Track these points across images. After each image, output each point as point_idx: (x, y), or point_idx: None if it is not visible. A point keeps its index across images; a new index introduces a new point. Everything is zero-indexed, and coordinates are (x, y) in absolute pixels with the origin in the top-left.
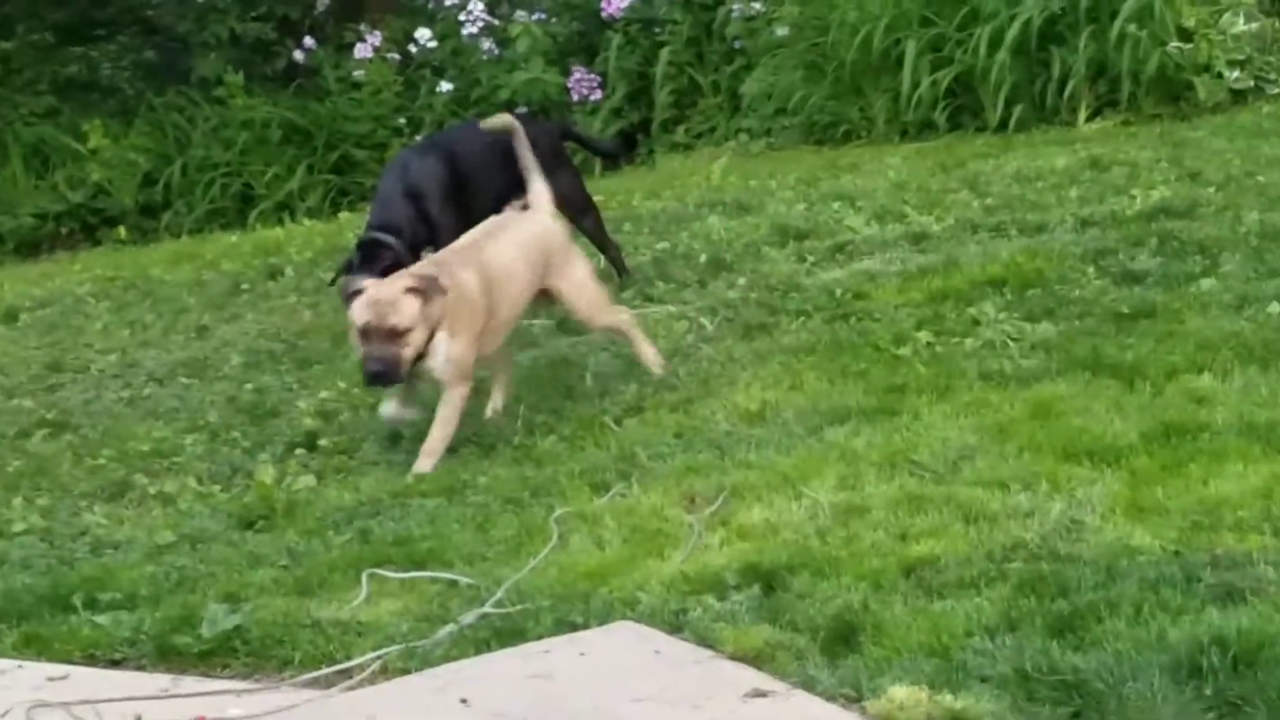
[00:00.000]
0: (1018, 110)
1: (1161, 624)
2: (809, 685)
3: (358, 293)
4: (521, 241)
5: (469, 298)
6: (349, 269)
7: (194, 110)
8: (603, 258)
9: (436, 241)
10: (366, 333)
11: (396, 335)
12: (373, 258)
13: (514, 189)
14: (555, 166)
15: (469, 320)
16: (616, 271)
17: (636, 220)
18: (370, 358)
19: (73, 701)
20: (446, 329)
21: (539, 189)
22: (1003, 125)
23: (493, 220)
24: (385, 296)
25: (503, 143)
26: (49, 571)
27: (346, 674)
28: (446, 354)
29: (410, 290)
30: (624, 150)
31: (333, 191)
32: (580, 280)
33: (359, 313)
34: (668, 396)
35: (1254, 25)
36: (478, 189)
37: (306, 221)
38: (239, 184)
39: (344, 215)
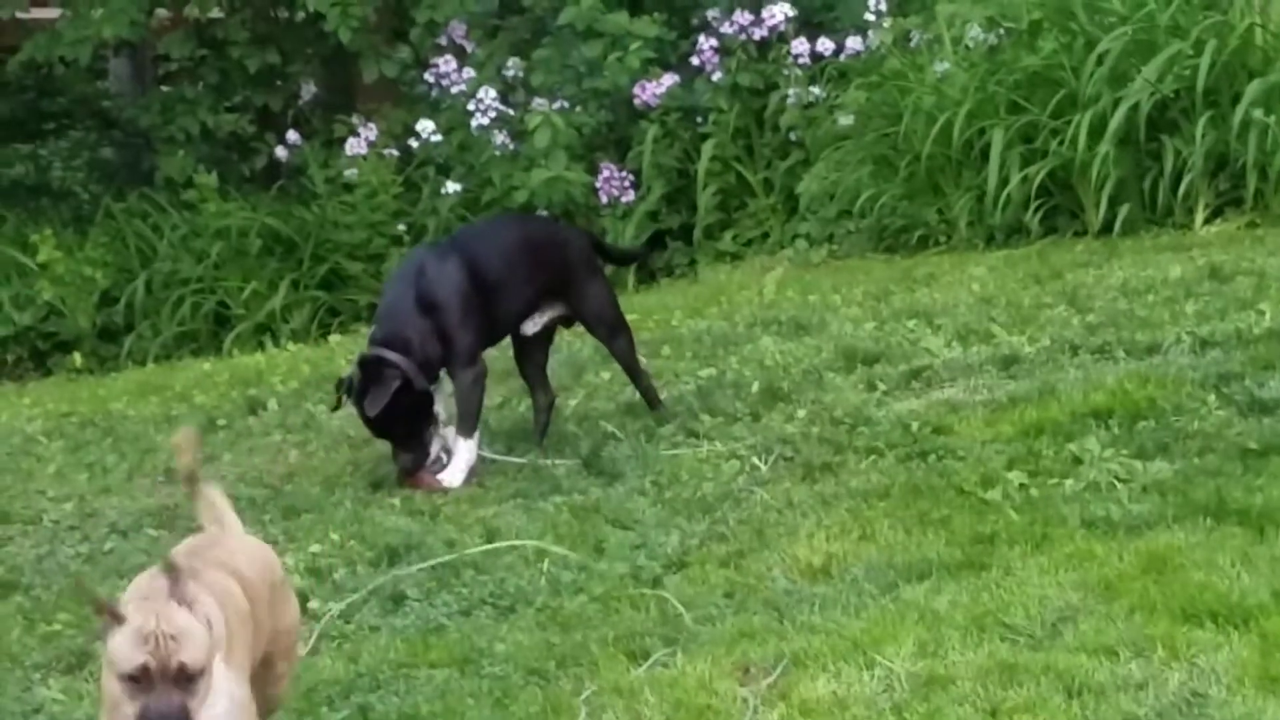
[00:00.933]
0: (1124, 211)
1: None
2: None
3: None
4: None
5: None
6: (348, 390)
7: (160, 217)
8: (633, 389)
9: (451, 365)
10: (139, 678)
11: (187, 678)
12: (378, 377)
13: (544, 302)
14: (587, 277)
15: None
16: (649, 405)
17: (677, 343)
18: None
19: None
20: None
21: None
22: (1106, 228)
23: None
24: (171, 626)
25: (535, 245)
26: None
27: None
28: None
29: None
30: (647, 255)
31: (321, 311)
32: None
33: (128, 652)
34: (716, 549)
35: None
36: (501, 302)
37: (291, 346)
38: (213, 302)
39: (335, 338)
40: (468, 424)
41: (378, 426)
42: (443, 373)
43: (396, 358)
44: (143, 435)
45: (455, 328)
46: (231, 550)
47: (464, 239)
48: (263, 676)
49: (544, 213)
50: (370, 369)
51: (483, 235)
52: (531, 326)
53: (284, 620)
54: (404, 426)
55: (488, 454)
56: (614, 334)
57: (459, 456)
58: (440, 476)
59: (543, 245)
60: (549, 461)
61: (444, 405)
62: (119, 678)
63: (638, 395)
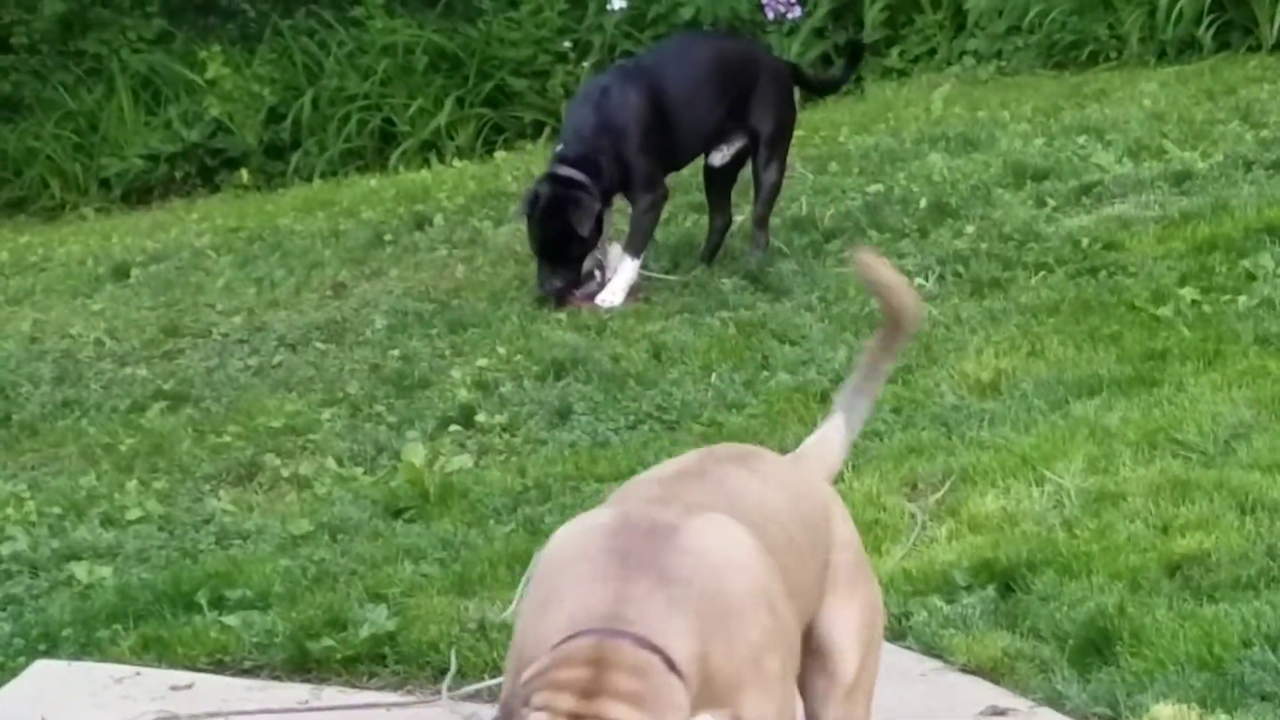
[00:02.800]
0: None
1: None
2: (1055, 702)
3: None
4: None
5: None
6: (534, 203)
7: (326, 34)
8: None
9: (630, 189)
10: None
11: None
12: (575, 200)
13: (726, 130)
14: (776, 110)
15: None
16: (757, 226)
17: (844, 159)
18: None
19: (200, 714)
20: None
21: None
22: None
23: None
24: None
25: (719, 67)
26: (169, 565)
27: None
28: None
29: None
30: (847, 78)
31: (486, 128)
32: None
33: None
34: None
35: None
36: (684, 128)
37: (457, 163)
38: (379, 119)
39: (500, 155)
40: (637, 244)
41: (546, 240)
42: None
43: (574, 173)
44: (310, 250)
45: (635, 153)
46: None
47: (651, 61)
48: None
49: (713, 30)
50: (564, 189)
51: (671, 57)
52: (719, 158)
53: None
54: (571, 241)
55: (648, 272)
56: (769, 168)
57: (621, 275)
58: (599, 298)
59: (735, 71)
60: (715, 278)
61: (609, 230)
62: None
63: (805, 210)
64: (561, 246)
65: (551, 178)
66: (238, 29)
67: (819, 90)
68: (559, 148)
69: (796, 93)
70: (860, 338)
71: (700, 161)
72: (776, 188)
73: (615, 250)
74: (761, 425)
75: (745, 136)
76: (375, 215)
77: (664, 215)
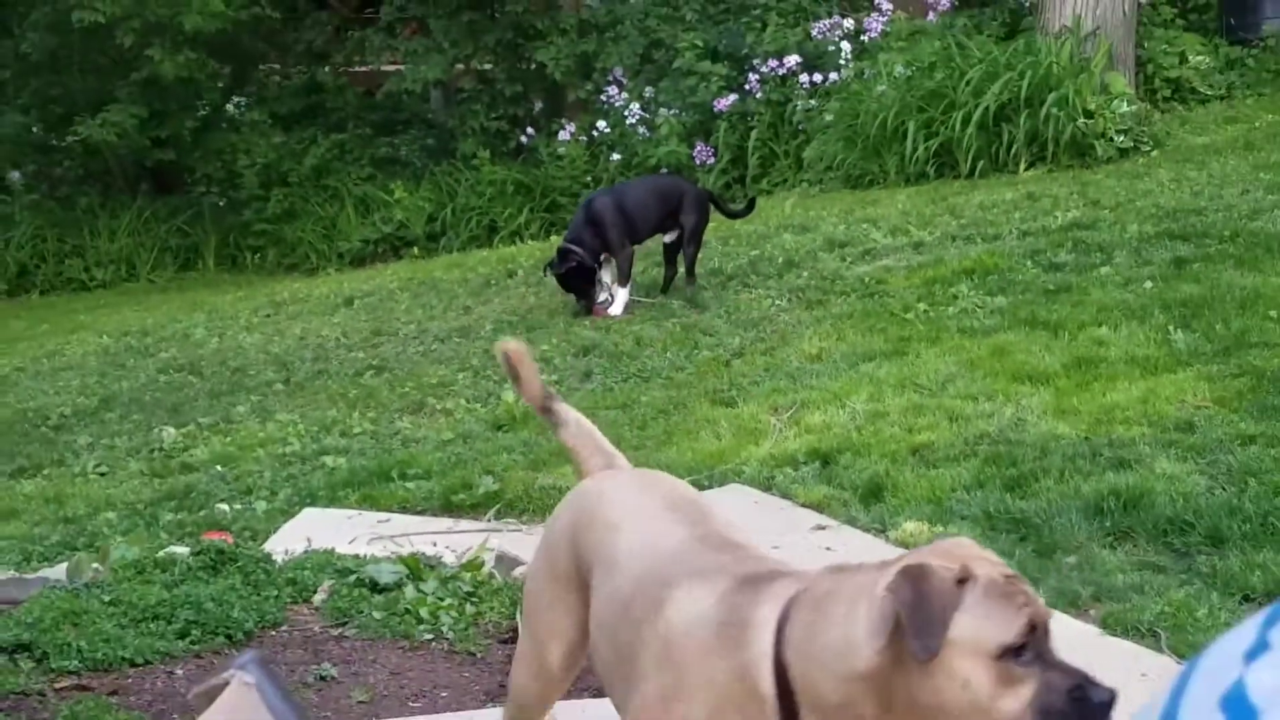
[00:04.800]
0: (980, 165)
1: (1076, 483)
2: (852, 522)
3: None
4: None
5: None
6: (551, 265)
7: (459, 175)
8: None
9: (609, 249)
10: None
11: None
12: (563, 258)
13: (668, 224)
14: (692, 213)
15: None
16: (688, 275)
17: (738, 237)
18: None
19: (395, 535)
20: None
21: None
22: (971, 174)
23: None
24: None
25: (659, 192)
26: (376, 457)
27: None
28: None
29: None
30: (748, 211)
31: (546, 225)
32: None
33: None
34: (760, 345)
35: (1134, 107)
36: (638, 221)
37: (530, 242)
38: (488, 220)
39: (553, 239)
40: (624, 278)
41: (564, 285)
42: (604, 258)
43: (575, 249)
44: (451, 290)
45: (609, 231)
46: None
47: (620, 187)
48: None
49: (666, 171)
50: (562, 254)
51: (632, 185)
52: (669, 238)
53: None
54: (578, 285)
55: (638, 299)
56: (690, 244)
57: (619, 298)
58: (609, 310)
59: (668, 192)
60: (669, 301)
61: (609, 273)
62: (989, 656)
63: (716, 265)
64: (568, 285)
65: (560, 252)
66: (410, 173)
67: (729, 214)
68: (566, 235)
69: (711, 210)
70: (747, 332)
71: (659, 240)
72: (695, 256)
73: (614, 286)
74: (693, 378)
75: (678, 227)
76: (486, 270)
77: (638, 269)
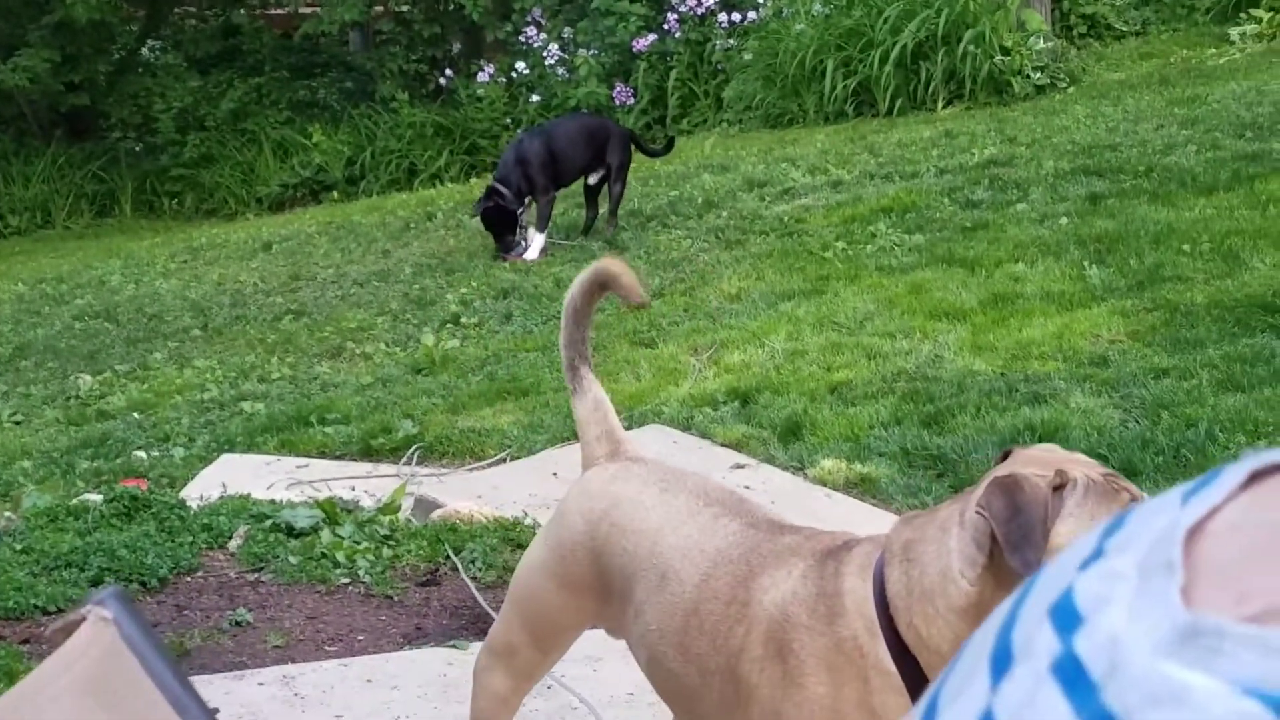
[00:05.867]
0: (899, 103)
1: (993, 418)
2: (771, 461)
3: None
4: None
5: None
6: (477, 205)
7: (378, 118)
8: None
9: (534, 192)
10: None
11: None
12: (487, 196)
13: (594, 164)
14: (617, 152)
15: None
16: (610, 215)
17: (657, 178)
18: None
19: (313, 480)
20: None
21: None
22: (889, 112)
23: None
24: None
25: (587, 131)
26: (295, 402)
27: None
28: None
29: None
30: (667, 150)
31: (466, 168)
32: None
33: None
34: (679, 286)
35: (1050, 44)
36: (564, 163)
37: (450, 185)
38: (407, 163)
39: (473, 181)
40: (542, 223)
41: (485, 225)
42: (528, 201)
43: (502, 188)
44: (370, 233)
45: (536, 173)
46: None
47: (547, 126)
48: None
49: (584, 110)
50: (487, 193)
51: (560, 123)
52: (594, 179)
53: None
54: (498, 227)
55: (558, 240)
56: (616, 183)
57: (534, 242)
58: (525, 255)
59: (595, 131)
60: (589, 243)
61: (527, 217)
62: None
63: (636, 205)
64: (493, 227)
65: (488, 190)
66: (329, 116)
67: (649, 154)
68: (495, 173)
69: (633, 150)
70: (666, 271)
71: (582, 181)
72: (621, 195)
73: (532, 231)
74: (612, 319)
75: (604, 167)
76: (405, 213)
77: (559, 211)
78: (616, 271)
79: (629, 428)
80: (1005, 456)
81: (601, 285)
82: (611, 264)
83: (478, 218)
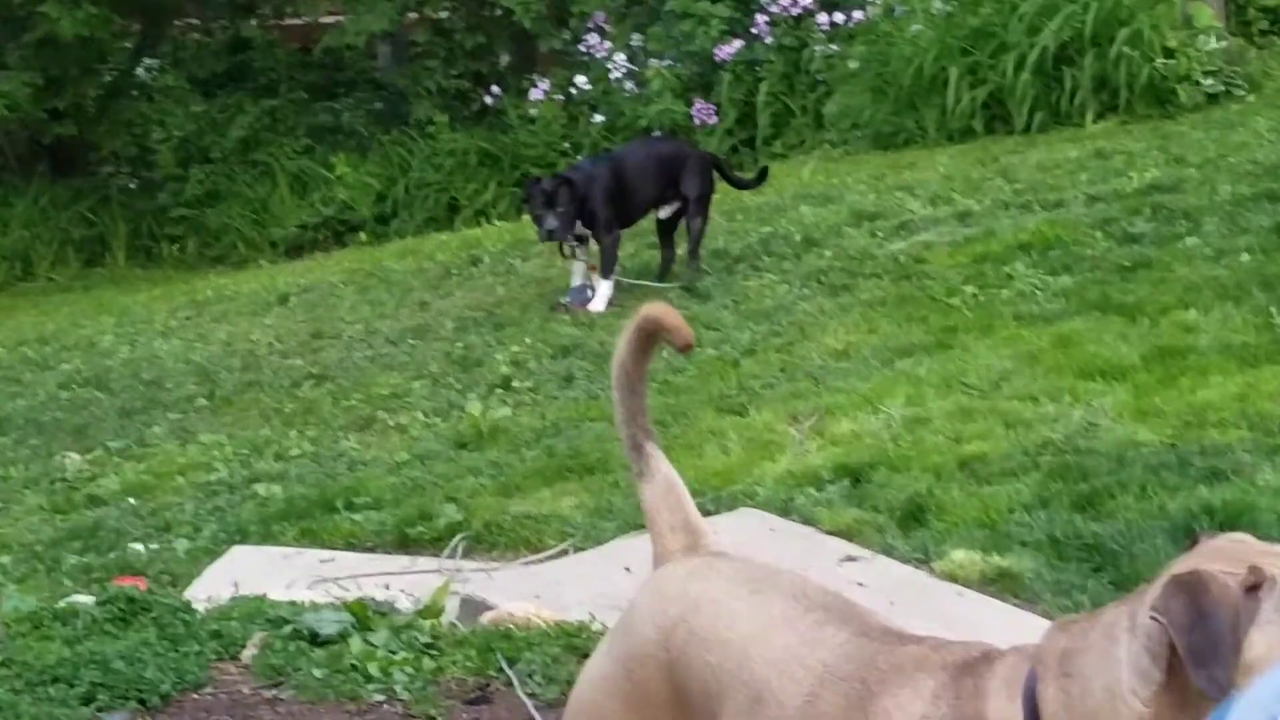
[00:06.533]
0: (1038, 117)
1: (1162, 499)
2: (889, 552)
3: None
4: None
5: None
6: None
7: (412, 144)
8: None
9: (595, 230)
10: None
11: None
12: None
13: (667, 196)
14: (695, 181)
15: None
16: (690, 256)
17: (746, 211)
18: None
19: (340, 577)
20: None
21: None
22: (1027, 128)
23: None
24: None
25: (658, 157)
26: (318, 483)
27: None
28: None
29: None
30: (760, 182)
31: (516, 202)
32: None
33: None
34: (774, 341)
35: (1223, 43)
36: (635, 195)
37: (498, 223)
38: (447, 198)
39: (525, 218)
40: (607, 268)
41: (524, 197)
42: (591, 244)
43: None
44: (404, 281)
45: (600, 207)
46: None
47: (615, 153)
48: None
49: (657, 133)
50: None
51: (626, 151)
52: (665, 213)
53: None
54: (542, 201)
55: (635, 282)
56: (695, 218)
57: (600, 291)
58: (589, 306)
59: (668, 157)
60: (665, 289)
61: (582, 256)
62: None
63: (721, 245)
64: (537, 201)
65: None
66: (355, 143)
67: (736, 185)
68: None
69: (715, 179)
70: (759, 325)
71: (654, 219)
72: (701, 231)
73: (596, 278)
74: (696, 382)
75: (680, 199)
76: (446, 257)
77: (627, 253)
78: (658, 314)
79: (715, 512)
80: (1192, 545)
81: (649, 336)
82: (652, 308)
83: (531, 197)
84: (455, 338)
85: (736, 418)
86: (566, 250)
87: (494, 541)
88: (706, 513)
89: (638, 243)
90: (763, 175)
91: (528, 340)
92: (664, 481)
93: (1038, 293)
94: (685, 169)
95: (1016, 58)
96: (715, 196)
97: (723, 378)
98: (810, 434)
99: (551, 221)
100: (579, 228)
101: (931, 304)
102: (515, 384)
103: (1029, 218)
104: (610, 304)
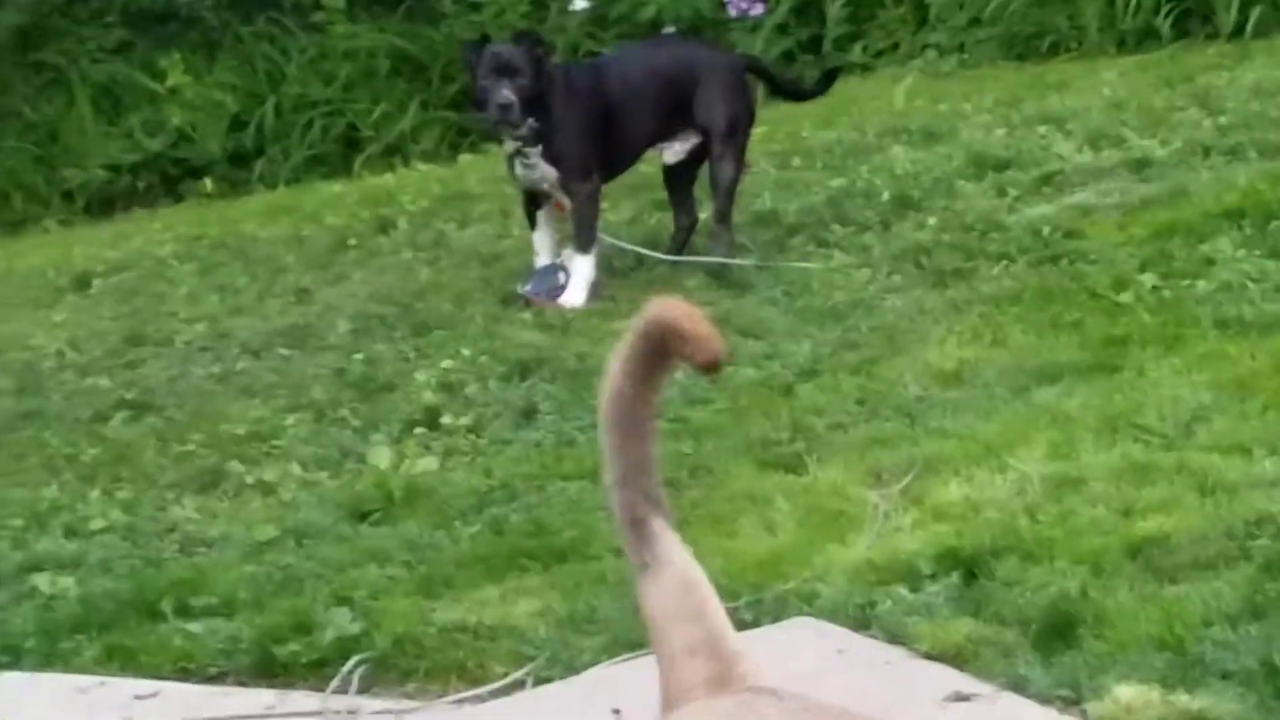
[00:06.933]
0: (1256, 12)
1: None
2: (1019, 686)
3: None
4: None
5: None
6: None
7: (288, 40)
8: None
9: (564, 177)
10: None
11: None
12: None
13: (669, 126)
14: (728, 97)
15: None
16: (717, 219)
17: (807, 154)
18: None
19: None
20: None
21: None
22: (1238, 31)
23: None
24: None
25: (657, 67)
26: (133, 574)
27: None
28: None
29: None
30: (824, 89)
31: (450, 131)
32: None
33: None
34: (848, 356)
35: None
36: (623, 124)
37: (421, 166)
38: (342, 125)
39: (464, 158)
40: (584, 240)
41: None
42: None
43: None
44: (273, 256)
45: (572, 140)
46: None
47: (601, 60)
48: None
49: (671, 28)
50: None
51: (617, 57)
52: (671, 155)
53: None
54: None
55: (622, 244)
56: (723, 161)
57: (577, 274)
58: (561, 299)
59: (675, 66)
60: (679, 270)
61: (547, 234)
62: None
63: (768, 206)
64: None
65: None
66: (199, 36)
67: (789, 95)
68: None
69: (760, 90)
70: (825, 330)
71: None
72: (734, 183)
73: (569, 253)
74: (727, 420)
75: (695, 133)
76: (339, 220)
77: (629, 214)
78: (670, 315)
79: (757, 623)
80: None
81: (657, 349)
82: (662, 307)
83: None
84: (352, 346)
85: (789, 476)
86: (523, 171)
87: (410, 668)
88: (743, 625)
89: (641, 199)
90: (828, 79)
91: (466, 352)
92: (678, 577)
93: (1251, 286)
94: (702, 84)
95: None
96: (758, 129)
97: (768, 414)
98: (902, 502)
99: (506, 94)
100: (544, 167)
101: (1090, 301)
102: (446, 420)
103: (1240, 170)
104: (594, 294)
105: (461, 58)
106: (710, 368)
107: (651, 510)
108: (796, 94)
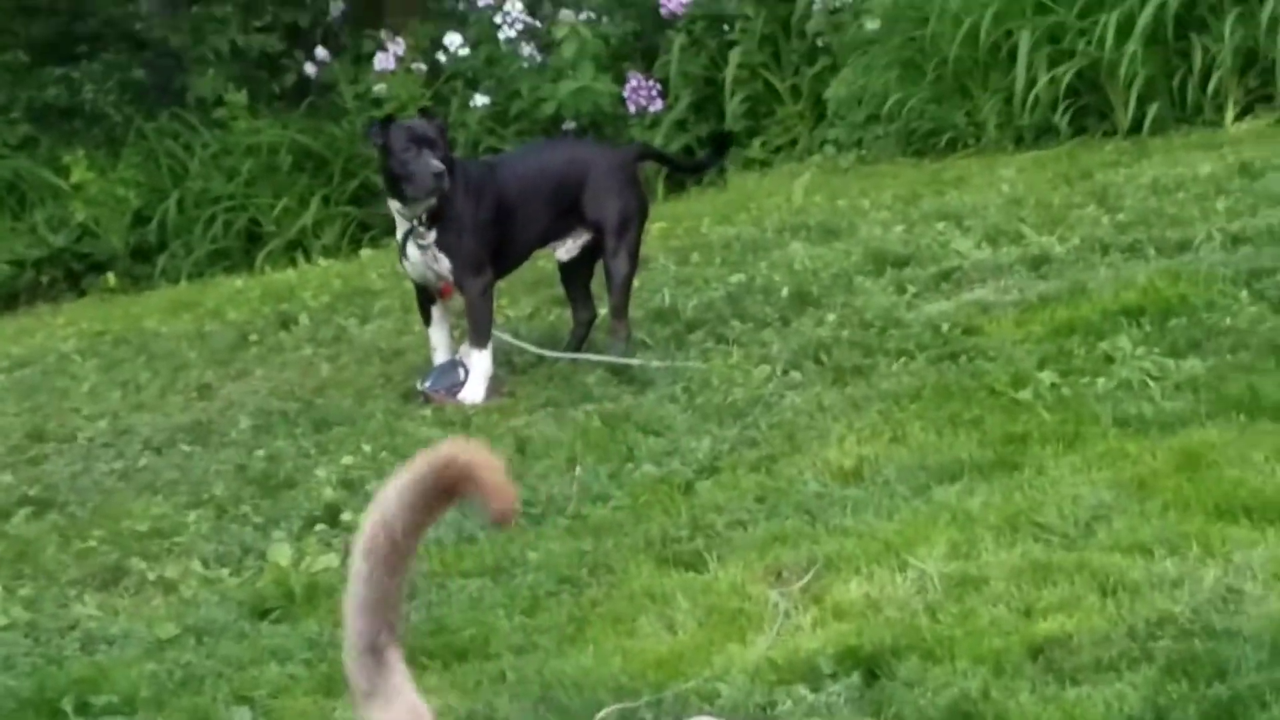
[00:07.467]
0: (1153, 109)
1: None
2: None
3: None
4: None
5: None
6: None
7: (191, 136)
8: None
9: (459, 277)
10: None
11: None
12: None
13: (561, 224)
14: (619, 191)
15: None
16: (612, 316)
17: (706, 249)
18: None
19: None
20: None
21: None
22: (1135, 128)
23: None
24: None
25: (547, 166)
26: (34, 672)
27: None
28: None
29: None
30: (718, 157)
31: (352, 226)
32: None
33: None
34: (747, 454)
35: None
36: (517, 223)
37: (322, 261)
38: (245, 220)
39: (366, 253)
40: (479, 335)
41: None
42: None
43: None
44: (175, 352)
45: (465, 234)
46: None
47: (497, 159)
48: None
49: (571, 124)
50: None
51: (510, 159)
52: (565, 253)
53: None
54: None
55: (520, 343)
56: (616, 257)
57: (476, 370)
58: (460, 395)
59: (564, 164)
60: (578, 368)
61: (442, 329)
62: None
63: (668, 302)
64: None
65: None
66: (102, 133)
67: (687, 171)
68: None
69: (660, 183)
70: (724, 427)
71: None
72: (628, 278)
73: (465, 349)
74: (626, 517)
75: (589, 230)
76: (241, 316)
77: (529, 310)
78: (464, 461)
79: None
80: None
81: (447, 487)
82: (463, 450)
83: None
84: (254, 443)
85: (689, 573)
86: (414, 254)
87: None
88: None
89: (540, 294)
90: (722, 147)
91: (366, 448)
92: (409, 710)
93: (1151, 384)
94: (591, 181)
95: (1120, 18)
96: (657, 224)
97: (668, 511)
98: (802, 600)
99: (435, 163)
100: (436, 251)
101: (990, 399)
102: (346, 517)
103: (1138, 267)
104: (493, 390)
105: (367, 136)
106: (501, 521)
107: (390, 641)
108: (694, 168)
